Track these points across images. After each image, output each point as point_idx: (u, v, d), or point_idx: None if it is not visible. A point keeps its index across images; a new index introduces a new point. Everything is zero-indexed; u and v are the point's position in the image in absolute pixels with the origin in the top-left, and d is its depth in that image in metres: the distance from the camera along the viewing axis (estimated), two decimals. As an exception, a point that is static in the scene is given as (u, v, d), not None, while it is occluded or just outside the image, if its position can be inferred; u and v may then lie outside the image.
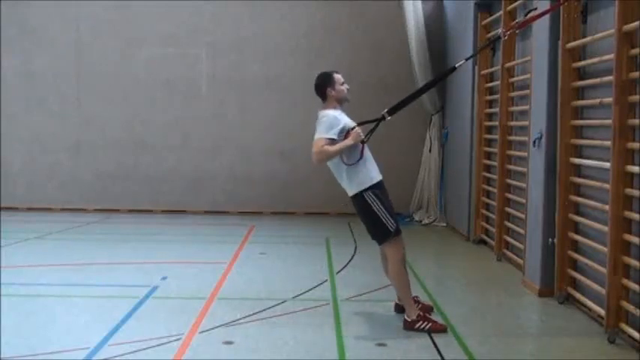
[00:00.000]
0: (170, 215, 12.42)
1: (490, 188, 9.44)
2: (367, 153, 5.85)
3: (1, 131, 12.69)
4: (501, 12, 8.67)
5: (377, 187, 5.81)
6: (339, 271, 7.89)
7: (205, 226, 11.61)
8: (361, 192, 5.77)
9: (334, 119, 5.77)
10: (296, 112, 12.45)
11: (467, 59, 6.67)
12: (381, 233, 5.83)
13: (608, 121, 5.56)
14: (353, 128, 5.79)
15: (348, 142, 5.74)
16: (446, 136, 11.70)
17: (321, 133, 5.72)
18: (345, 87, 5.96)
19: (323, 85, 5.94)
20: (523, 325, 6.26)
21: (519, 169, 8.16)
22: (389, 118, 5.88)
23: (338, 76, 5.97)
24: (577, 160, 6.40)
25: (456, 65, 6.28)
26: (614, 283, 5.44)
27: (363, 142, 5.81)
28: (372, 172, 5.83)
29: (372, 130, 5.90)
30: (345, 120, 5.82)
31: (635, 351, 5.22)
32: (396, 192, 12.26)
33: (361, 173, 5.78)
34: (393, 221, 5.78)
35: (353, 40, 12.58)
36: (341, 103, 5.95)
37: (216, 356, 5.10)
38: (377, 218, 5.77)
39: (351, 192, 5.84)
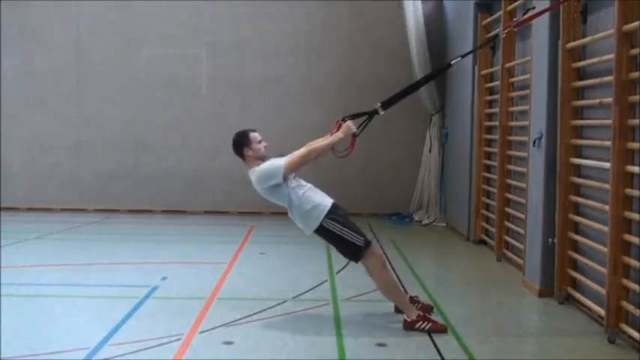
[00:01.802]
0: (170, 215, 12.42)
1: (490, 188, 9.44)
2: (309, 185, 5.88)
3: (1, 131, 12.70)
4: (501, 12, 8.67)
5: (331, 212, 5.80)
6: (339, 271, 7.88)
7: (205, 226, 11.61)
8: (319, 224, 5.78)
9: (266, 165, 5.82)
10: (296, 112, 12.46)
11: (463, 56, 6.65)
12: (353, 252, 5.85)
13: (608, 121, 5.56)
14: (344, 120, 5.81)
15: (339, 135, 5.76)
16: (446, 136, 11.70)
17: (279, 162, 5.75)
18: (262, 145, 5.97)
19: (240, 145, 5.97)
20: (523, 325, 6.27)
21: (519, 169, 8.16)
22: (382, 112, 5.87)
23: (254, 135, 5.98)
24: (577, 160, 6.40)
25: (451, 62, 6.28)
26: (614, 283, 5.44)
27: (354, 135, 5.81)
28: (321, 203, 5.81)
29: (364, 124, 5.89)
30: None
31: (635, 351, 5.22)
32: (396, 192, 12.50)
33: (312, 211, 5.78)
34: (359, 236, 5.78)
35: (353, 40, 12.58)
36: (262, 160, 5.94)
37: (216, 356, 5.10)
38: (344, 240, 5.78)
39: (310, 230, 5.85)
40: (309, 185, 5.92)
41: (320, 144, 5.80)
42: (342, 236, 5.76)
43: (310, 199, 5.81)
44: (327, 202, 5.85)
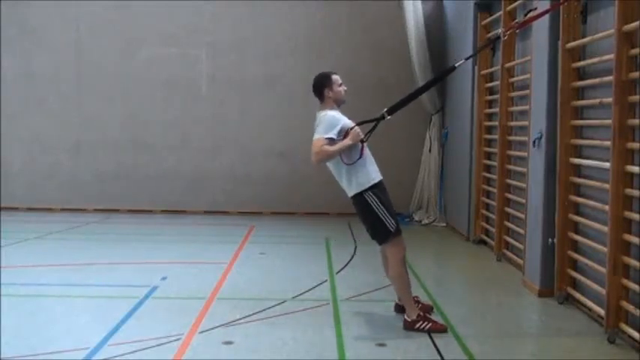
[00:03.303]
0: (170, 215, 12.42)
1: (490, 188, 9.44)
2: (367, 153, 5.85)
3: (1, 131, 12.70)
4: (501, 12, 8.67)
5: (377, 187, 5.80)
6: (339, 271, 7.89)
7: (205, 226, 11.61)
8: (361, 192, 5.77)
9: (334, 119, 5.78)
10: (296, 112, 12.44)
11: (467, 59, 6.68)
12: (381, 233, 5.82)
13: (608, 121, 5.56)
14: (352, 128, 5.80)
15: (347, 141, 5.74)
16: (446, 136, 11.70)
17: (320, 133, 5.73)
18: (342, 88, 5.96)
19: (321, 86, 5.94)
20: (523, 325, 6.27)
21: (519, 169, 8.16)
22: (389, 117, 5.87)
23: (336, 77, 5.97)
24: (577, 160, 6.40)
25: (456, 65, 6.28)
26: (614, 283, 5.44)
27: (362, 141, 5.82)
28: (371, 173, 5.82)
29: (371, 130, 5.90)
30: (344, 120, 5.83)
31: (635, 351, 5.22)
32: (396, 192, 12.24)
33: (360, 174, 5.78)
34: (393, 221, 5.77)
35: (353, 40, 12.58)
36: (338, 104, 5.95)
37: (216, 356, 5.10)
38: (377, 218, 5.76)
39: (350, 192, 5.84)
40: (368, 153, 5.86)
41: (331, 149, 5.73)
42: (377, 214, 5.74)
43: (363, 165, 5.77)
44: (375, 175, 5.84)
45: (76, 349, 5.12)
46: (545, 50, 6.77)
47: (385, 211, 5.76)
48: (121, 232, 10.87)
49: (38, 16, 12.68)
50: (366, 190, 5.76)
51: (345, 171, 5.80)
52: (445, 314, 6.17)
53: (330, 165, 5.90)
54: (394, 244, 5.85)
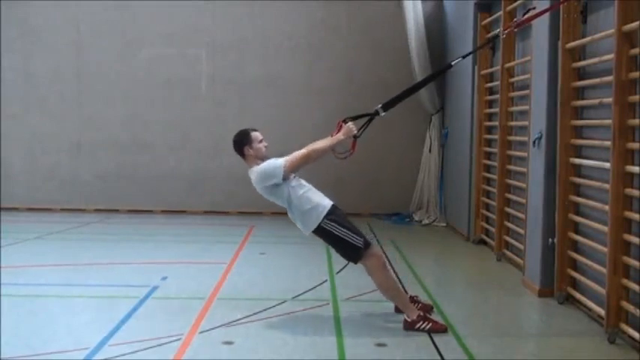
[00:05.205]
0: (170, 215, 12.42)
1: (490, 188, 9.44)
2: (307, 186, 5.90)
3: (1, 131, 12.70)
4: (501, 12, 8.67)
5: (330, 213, 5.81)
6: (338, 271, 7.88)
7: (205, 226, 11.61)
8: (318, 225, 5.79)
9: (266, 164, 5.84)
10: (296, 112, 12.46)
11: (464, 57, 6.65)
12: (352, 253, 5.85)
13: (608, 121, 5.56)
14: (345, 121, 5.82)
15: (339, 136, 5.77)
16: (446, 136, 11.70)
17: (279, 162, 5.77)
18: (263, 145, 6.00)
19: (241, 144, 6.00)
20: (523, 325, 6.27)
21: (519, 169, 8.16)
22: (383, 114, 5.88)
23: (256, 134, 6.01)
24: (577, 160, 6.40)
25: (452, 63, 6.28)
26: (614, 283, 5.44)
27: (355, 137, 5.82)
28: (320, 205, 5.82)
29: (365, 126, 5.90)
30: None
31: (635, 351, 5.22)
32: (396, 192, 12.51)
33: (311, 211, 5.79)
34: (358, 237, 5.79)
35: (353, 40, 12.58)
36: (262, 159, 5.97)
37: (216, 356, 5.10)
38: (342, 241, 5.79)
39: (309, 231, 5.86)
40: (309, 186, 5.94)
41: (320, 145, 5.81)
42: (342, 237, 5.77)
43: (310, 200, 5.82)
44: (326, 203, 5.86)
45: (76, 349, 5.12)
46: (545, 50, 6.77)
47: (347, 231, 5.77)
48: (121, 232, 10.86)
49: (38, 16, 12.68)
50: (321, 222, 5.77)
51: (297, 212, 5.83)
52: (445, 314, 6.17)
53: (283, 205, 5.91)
54: (368, 257, 5.86)
